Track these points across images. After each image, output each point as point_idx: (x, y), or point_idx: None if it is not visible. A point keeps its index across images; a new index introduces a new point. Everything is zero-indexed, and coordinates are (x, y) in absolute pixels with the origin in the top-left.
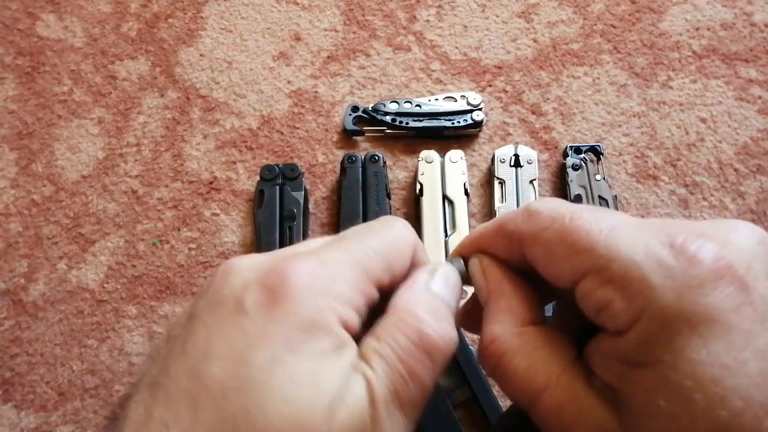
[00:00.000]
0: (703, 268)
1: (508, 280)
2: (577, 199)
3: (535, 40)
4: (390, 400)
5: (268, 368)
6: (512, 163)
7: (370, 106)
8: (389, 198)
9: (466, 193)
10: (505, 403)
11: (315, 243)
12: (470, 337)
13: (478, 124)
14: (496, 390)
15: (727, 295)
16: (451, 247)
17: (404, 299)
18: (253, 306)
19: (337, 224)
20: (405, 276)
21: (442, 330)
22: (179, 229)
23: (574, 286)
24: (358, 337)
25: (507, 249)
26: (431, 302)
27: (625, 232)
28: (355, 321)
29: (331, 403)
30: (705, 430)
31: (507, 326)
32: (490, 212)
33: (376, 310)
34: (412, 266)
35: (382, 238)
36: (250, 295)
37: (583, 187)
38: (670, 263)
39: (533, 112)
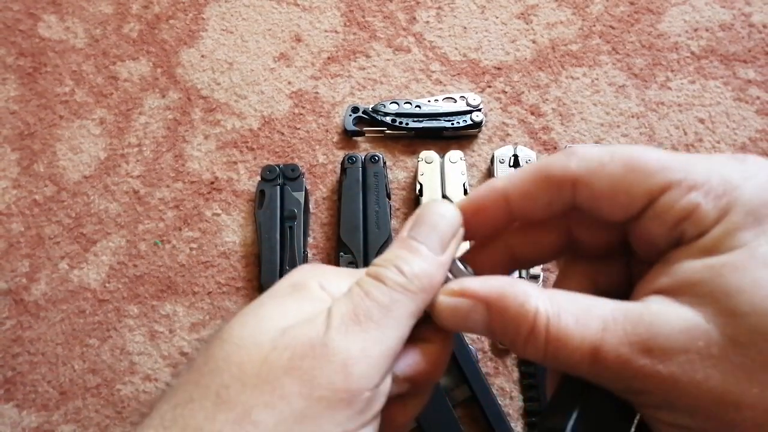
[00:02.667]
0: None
1: (494, 277)
2: None
3: (534, 41)
4: (346, 315)
5: (251, 311)
6: (511, 164)
7: (370, 106)
8: (389, 198)
9: (466, 193)
10: (504, 402)
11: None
12: (470, 337)
13: (477, 125)
14: (495, 389)
15: None
16: None
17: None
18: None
19: (337, 224)
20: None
21: (407, 265)
22: (180, 229)
23: (644, 210)
24: None
25: (549, 197)
26: (402, 245)
27: (688, 156)
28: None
29: (284, 326)
30: None
31: (537, 299)
32: None
33: None
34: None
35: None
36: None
37: None
38: (747, 166)
39: (532, 113)
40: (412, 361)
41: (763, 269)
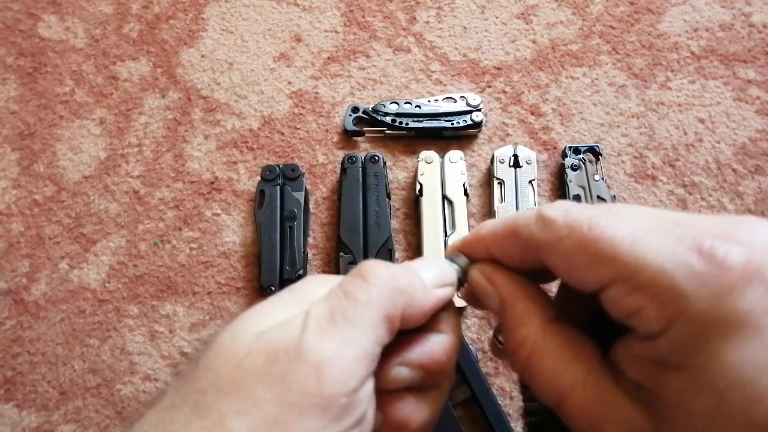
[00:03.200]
0: (734, 274)
1: (517, 283)
2: (576, 199)
3: (534, 41)
4: (322, 316)
5: (240, 316)
6: (511, 164)
7: (370, 106)
8: (389, 198)
9: (466, 193)
10: (504, 402)
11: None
12: (470, 337)
13: (477, 125)
14: (495, 389)
15: (757, 299)
16: None
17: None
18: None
19: (337, 224)
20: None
21: (379, 264)
22: (180, 229)
23: (598, 292)
24: None
25: (519, 253)
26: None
27: (649, 239)
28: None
29: (263, 330)
30: (739, 429)
31: (531, 327)
32: (489, 212)
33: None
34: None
35: (379, 299)
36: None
37: (582, 187)
38: (700, 270)
39: (532, 113)
40: (427, 348)
41: (709, 398)
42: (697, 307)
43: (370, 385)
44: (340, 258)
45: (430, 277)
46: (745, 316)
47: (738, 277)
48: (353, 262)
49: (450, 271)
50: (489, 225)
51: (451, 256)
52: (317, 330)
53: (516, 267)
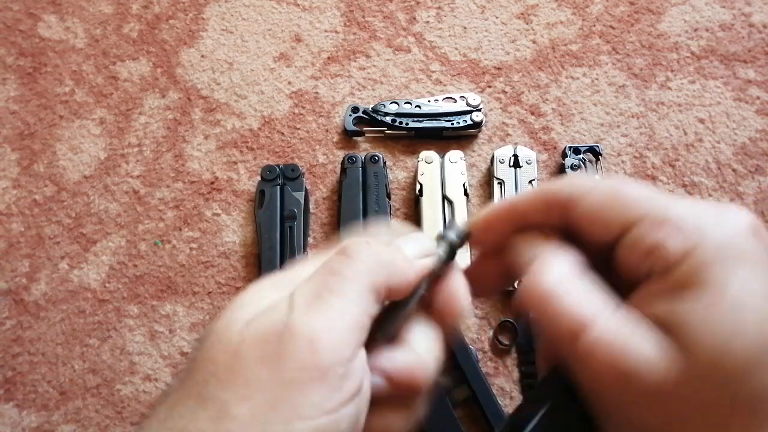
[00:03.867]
0: (746, 223)
1: (549, 239)
2: None
3: (534, 41)
4: (309, 294)
5: (230, 303)
6: (511, 164)
7: (371, 106)
8: (389, 198)
9: (466, 193)
10: (504, 401)
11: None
12: (470, 337)
13: (477, 125)
14: (495, 389)
15: (763, 243)
16: None
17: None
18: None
19: (337, 224)
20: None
21: (360, 241)
22: (180, 229)
23: (620, 237)
24: None
25: (545, 213)
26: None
27: (671, 196)
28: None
29: (253, 316)
30: (752, 342)
31: (563, 258)
32: None
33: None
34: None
35: (358, 271)
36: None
37: None
38: (721, 213)
39: (532, 113)
40: (391, 358)
41: (727, 310)
42: (719, 237)
43: (363, 356)
44: None
45: (410, 249)
46: (756, 249)
47: (749, 224)
48: None
49: (429, 243)
50: (508, 199)
51: (445, 231)
52: (305, 306)
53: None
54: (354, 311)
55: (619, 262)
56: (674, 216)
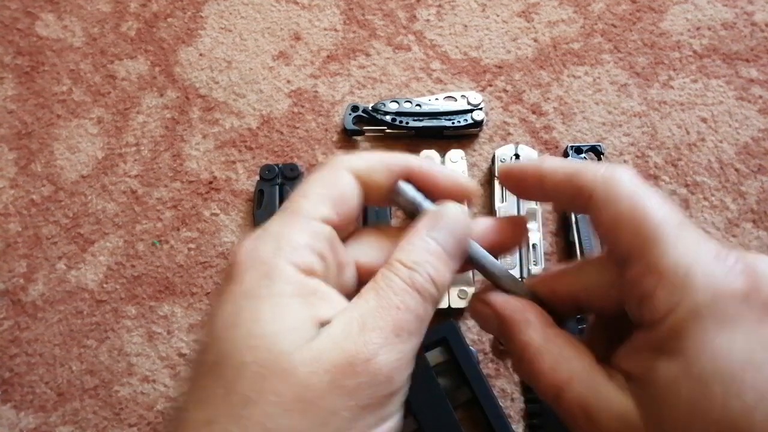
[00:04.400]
0: (741, 283)
1: (513, 301)
2: None
3: (535, 40)
4: (386, 329)
5: (232, 318)
6: None
7: (370, 105)
8: None
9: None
10: (505, 403)
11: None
12: (471, 338)
13: (478, 124)
14: (496, 391)
15: (754, 307)
16: None
17: (403, 250)
18: (222, 283)
19: None
20: (356, 203)
21: (435, 273)
22: (178, 229)
23: (626, 262)
24: (339, 280)
25: (568, 195)
26: (427, 248)
27: (689, 234)
28: (314, 261)
29: (300, 332)
30: (720, 418)
31: (532, 332)
32: (490, 212)
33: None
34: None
35: (310, 180)
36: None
37: None
38: (714, 271)
39: (534, 112)
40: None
41: (696, 382)
42: (701, 298)
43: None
44: None
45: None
46: (741, 317)
47: (744, 285)
48: None
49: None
50: (551, 162)
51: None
52: (383, 343)
53: (553, 204)
54: (419, 343)
55: (626, 301)
56: (667, 264)
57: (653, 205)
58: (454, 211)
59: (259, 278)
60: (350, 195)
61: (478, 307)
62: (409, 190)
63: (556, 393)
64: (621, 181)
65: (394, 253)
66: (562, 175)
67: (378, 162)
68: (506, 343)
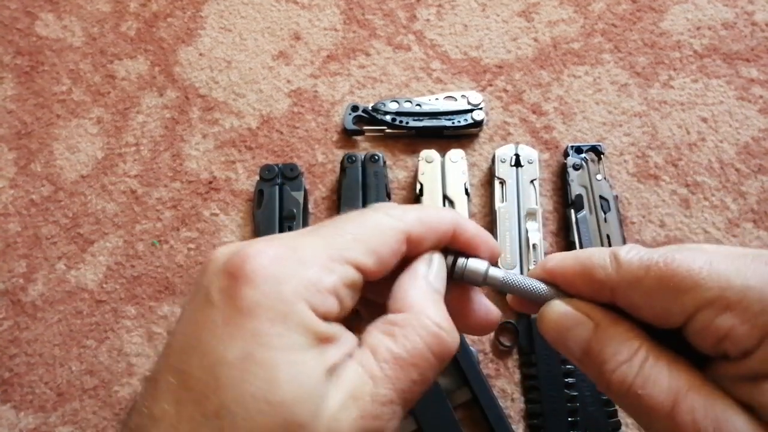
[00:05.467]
0: None
1: (608, 312)
2: (578, 198)
3: (535, 40)
4: (394, 400)
5: (241, 366)
6: (513, 163)
7: (370, 105)
8: (389, 198)
9: (467, 192)
10: (505, 404)
11: (296, 232)
12: (471, 339)
13: (478, 124)
14: (496, 391)
15: None
16: None
17: (409, 292)
18: (218, 295)
19: None
20: (396, 261)
21: (456, 336)
22: (178, 229)
23: (684, 324)
24: (350, 322)
25: (590, 291)
26: (436, 300)
27: (726, 263)
28: (333, 306)
29: (316, 398)
30: None
31: (642, 339)
32: (490, 212)
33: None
34: (458, 242)
35: (360, 222)
36: (215, 282)
37: (584, 186)
38: None
39: (534, 112)
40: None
41: None
42: None
43: None
44: None
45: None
46: None
47: None
48: None
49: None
50: (557, 260)
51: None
52: (394, 417)
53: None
54: None
55: (689, 340)
56: (737, 295)
57: (673, 260)
58: (437, 256)
59: (274, 321)
60: (393, 254)
61: (566, 310)
62: (498, 274)
63: (673, 401)
64: (629, 261)
65: (397, 292)
66: (572, 271)
67: (430, 231)
68: (598, 354)
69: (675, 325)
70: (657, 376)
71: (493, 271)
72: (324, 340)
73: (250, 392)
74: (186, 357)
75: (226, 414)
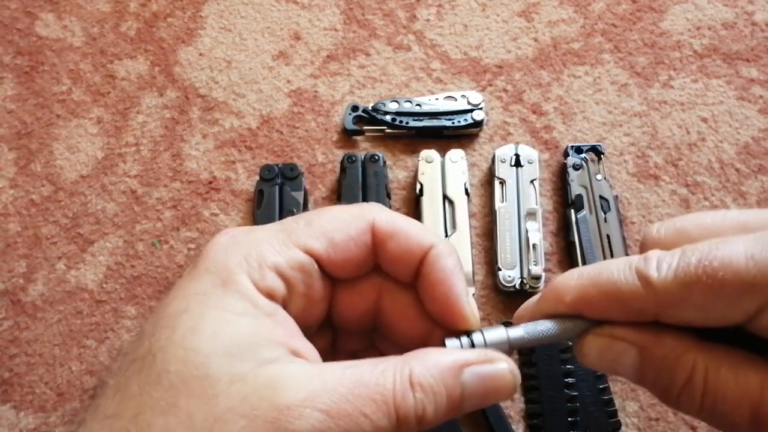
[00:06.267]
0: None
1: (648, 331)
2: (578, 198)
3: (535, 40)
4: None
5: (176, 317)
6: (513, 163)
7: (370, 105)
8: (389, 198)
9: (467, 193)
10: (505, 404)
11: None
12: None
13: (478, 124)
14: None
15: None
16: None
17: (431, 371)
18: (188, 270)
19: None
20: (360, 251)
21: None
22: (178, 230)
23: (746, 324)
24: (304, 312)
25: (625, 316)
26: (454, 394)
27: (764, 251)
28: (276, 284)
29: (233, 357)
30: None
31: (693, 349)
32: (490, 212)
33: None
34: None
35: (321, 212)
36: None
37: (584, 186)
38: None
39: (534, 112)
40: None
41: None
42: None
43: None
44: None
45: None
46: None
47: None
48: None
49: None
50: (573, 290)
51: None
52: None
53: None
54: None
55: (749, 331)
56: None
57: (711, 260)
58: (500, 365)
59: (214, 284)
60: (351, 240)
61: (602, 343)
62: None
63: (755, 406)
64: (664, 279)
65: (419, 359)
66: (600, 297)
67: (403, 236)
68: (655, 379)
69: (733, 325)
70: (725, 389)
71: (515, 334)
72: (267, 315)
73: (173, 338)
74: (151, 316)
75: (147, 357)
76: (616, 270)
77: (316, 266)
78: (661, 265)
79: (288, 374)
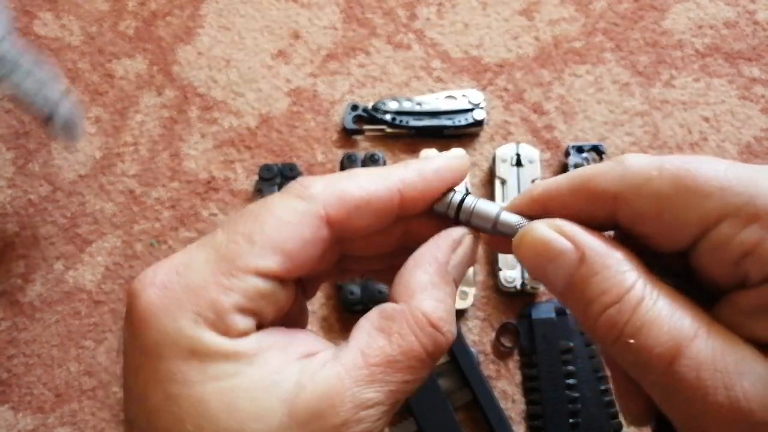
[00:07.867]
0: None
1: (601, 237)
2: None
3: (536, 39)
4: (382, 401)
5: (168, 408)
6: (513, 163)
7: (370, 104)
8: None
9: (467, 192)
10: (506, 405)
11: (192, 245)
12: (471, 339)
13: (479, 123)
14: (496, 392)
15: None
16: None
17: (413, 279)
18: (128, 341)
19: None
20: (320, 250)
21: (453, 330)
22: (177, 230)
23: (698, 239)
24: (294, 307)
25: (588, 211)
26: (444, 292)
27: (750, 170)
28: (245, 323)
29: (267, 412)
30: None
31: (638, 271)
32: None
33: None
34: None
35: (256, 217)
36: (125, 326)
37: None
38: None
39: (535, 111)
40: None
41: None
42: None
43: None
44: None
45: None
46: None
47: None
48: None
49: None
50: (545, 183)
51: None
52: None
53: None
54: None
55: (699, 270)
56: (767, 209)
57: (688, 161)
58: (457, 234)
59: (184, 357)
60: (309, 244)
61: (548, 237)
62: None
63: (676, 349)
64: (637, 161)
65: (417, 298)
66: (567, 186)
67: (364, 203)
68: (582, 289)
69: (686, 244)
70: (654, 322)
71: (506, 216)
72: (252, 356)
73: (188, 430)
74: (129, 404)
75: None
76: (593, 165)
77: (277, 283)
78: (640, 155)
79: (322, 392)
